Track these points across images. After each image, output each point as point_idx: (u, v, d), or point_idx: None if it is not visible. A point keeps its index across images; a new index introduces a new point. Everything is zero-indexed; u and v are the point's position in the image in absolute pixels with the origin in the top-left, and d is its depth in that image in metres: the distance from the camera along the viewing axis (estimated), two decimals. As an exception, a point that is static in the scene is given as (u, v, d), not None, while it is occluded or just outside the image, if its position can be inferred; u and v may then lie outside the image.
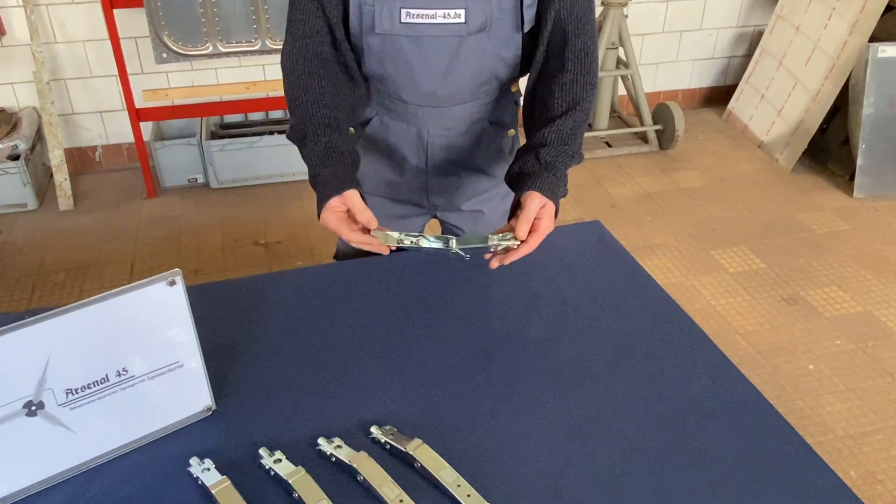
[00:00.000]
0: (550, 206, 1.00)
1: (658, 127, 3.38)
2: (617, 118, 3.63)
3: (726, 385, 1.00)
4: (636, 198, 3.06)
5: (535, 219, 0.99)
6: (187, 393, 0.92)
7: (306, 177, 1.05)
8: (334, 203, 0.99)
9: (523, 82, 1.19)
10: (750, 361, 2.18)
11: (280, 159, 3.00)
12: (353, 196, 0.99)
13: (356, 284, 1.18)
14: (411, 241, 0.99)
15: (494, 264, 1.02)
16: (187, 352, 0.90)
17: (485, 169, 1.30)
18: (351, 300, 1.15)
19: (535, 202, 1.00)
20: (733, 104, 3.65)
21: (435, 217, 1.39)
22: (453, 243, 1.00)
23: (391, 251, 1.01)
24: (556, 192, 1.02)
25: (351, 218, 1.01)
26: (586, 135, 3.38)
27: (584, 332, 1.09)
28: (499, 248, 1.00)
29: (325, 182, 1.00)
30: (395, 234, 0.99)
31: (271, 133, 3.12)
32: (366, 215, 0.99)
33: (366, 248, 1.00)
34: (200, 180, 3.06)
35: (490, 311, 1.13)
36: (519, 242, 0.99)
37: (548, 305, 1.14)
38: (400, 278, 1.19)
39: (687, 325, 1.12)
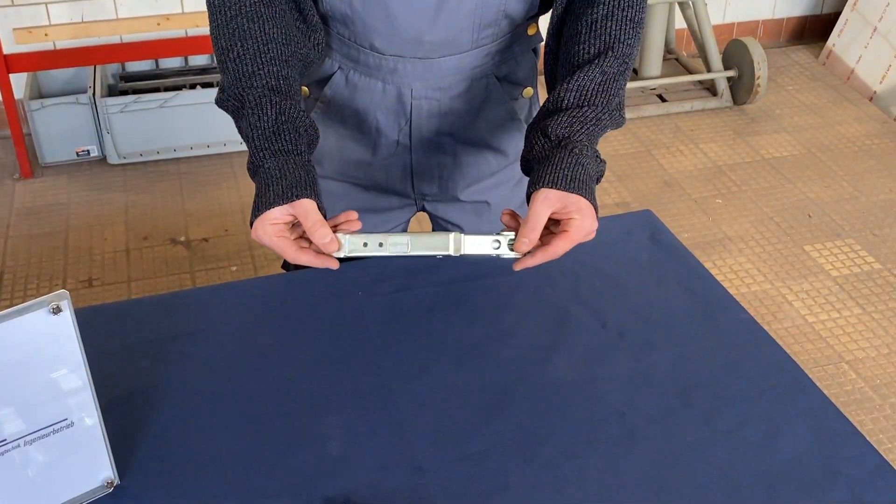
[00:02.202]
0: (577, 200, 0.98)
1: (731, 73, 3.39)
2: (673, 62, 3.63)
3: (830, 438, 1.01)
4: (701, 173, 3.07)
5: (566, 220, 0.98)
6: (80, 462, 0.91)
7: (242, 147, 1.03)
8: (277, 213, 0.97)
9: (544, 22, 1.19)
10: (862, 401, 2.19)
11: (205, 123, 2.99)
12: (307, 207, 0.97)
13: (315, 304, 1.18)
14: (380, 243, 0.98)
15: (518, 266, 1.01)
16: (79, 404, 0.89)
17: (491, 143, 1.30)
18: (307, 327, 1.14)
19: (544, 203, 0.97)
20: (835, 40, 3.65)
21: (423, 210, 1.39)
22: (455, 241, 0.99)
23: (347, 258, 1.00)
24: (581, 178, 0.99)
25: (295, 230, 0.99)
26: (631, 85, 3.38)
27: (631, 368, 1.09)
28: (502, 256, 1.00)
29: (270, 179, 0.98)
30: (358, 240, 0.98)
31: (193, 87, 3.11)
32: (322, 234, 0.96)
33: (322, 265, 0.99)
34: (94, 153, 3.05)
35: (501, 341, 1.13)
36: (521, 256, 0.99)
37: (581, 331, 1.14)
38: (375, 295, 1.19)
39: (773, 352, 1.12)
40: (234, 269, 2.60)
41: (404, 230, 1.43)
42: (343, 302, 1.18)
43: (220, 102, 1.08)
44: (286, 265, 1.41)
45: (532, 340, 1.13)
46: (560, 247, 0.98)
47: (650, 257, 1.27)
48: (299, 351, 1.11)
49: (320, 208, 0.98)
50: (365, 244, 0.99)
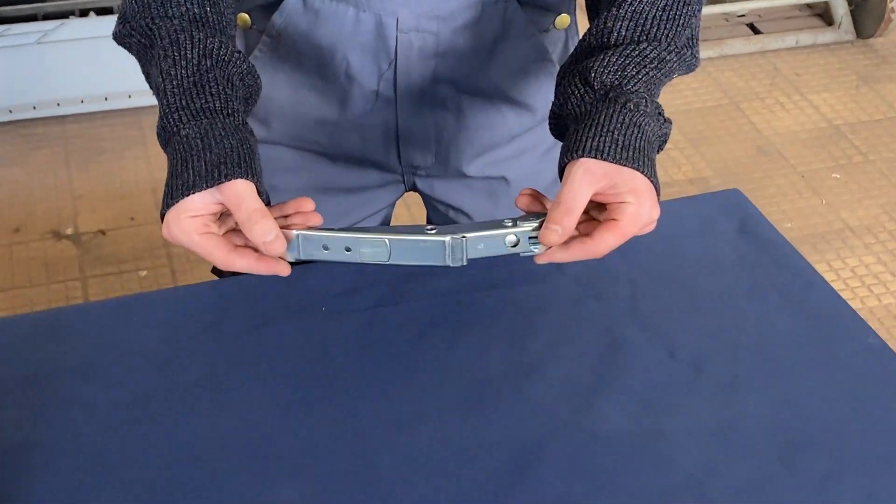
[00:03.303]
0: (631, 176, 0.98)
1: (851, -6, 3.39)
2: (771, -22, 3.63)
3: None
4: (811, 136, 3.07)
5: (615, 204, 0.98)
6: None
7: (153, 101, 1.03)
8: (199, 202, 0.96)
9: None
10: None
11: (102, 66, 3.00)
12: (240, 192, 0.95)
13: (260, 326, 1.18)
14: (347, 248, 0.99)
15: (541, 259, 1.02)
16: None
17: (510, 95, 1.31)
18: (249, 357, 1.15)
19: (584, 178, 0.97)
20: None
21: (415, 189, 1.40)
22: (454, 247, 0.99)
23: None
24: (636, 145, 0.99)
25: (225, 222, 0.99)
26: (709, 10, 3.39)
27: (712, 417, 1.09)
28: (523, 254, 1.01)
29: (189, 151, 0.97)
30: (316, 239, 0.99)
31: (84, 14, 3.12)
32: (263, 230, 0.95)
33: (267, 272, 0.99)
34: (-55, 111, 3.07)
35: (526, 378, 1.13)
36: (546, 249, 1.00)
37: (639, 363, 1.14)
38: (346, 312, 1.19)
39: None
40: (143, 273, 2.61)
41: (387, 219, 1.43)
42: (300, 322, 1.18)
43: (119, 38, 1.08)
44: (218, 269, 1.41)
45: (570, 377, 1.13)
46: (606, 241, 0.98)
47: (738, 257, 1.27)
48: (239, 392, 1.11)
49: (260, 192, 0.97)
50: (325, 247, 0.99)
